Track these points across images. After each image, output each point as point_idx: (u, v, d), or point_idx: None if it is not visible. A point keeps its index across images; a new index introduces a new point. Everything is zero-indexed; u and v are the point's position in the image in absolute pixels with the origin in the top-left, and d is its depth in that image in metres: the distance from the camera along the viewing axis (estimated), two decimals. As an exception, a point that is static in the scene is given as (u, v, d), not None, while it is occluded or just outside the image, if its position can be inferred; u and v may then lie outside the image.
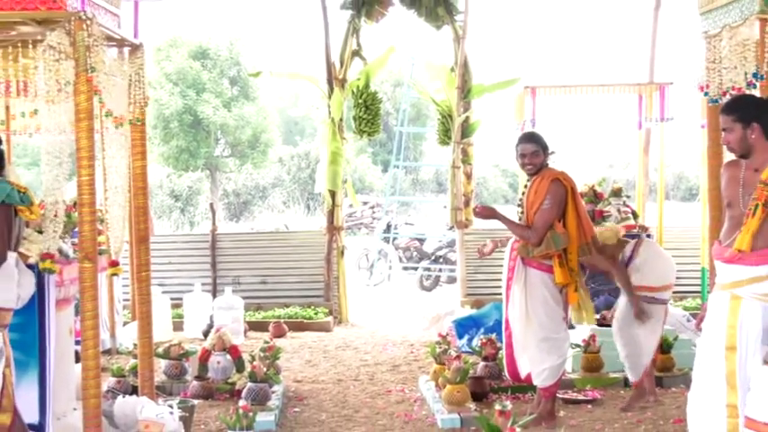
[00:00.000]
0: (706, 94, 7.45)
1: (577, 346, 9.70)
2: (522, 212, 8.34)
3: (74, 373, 7.60)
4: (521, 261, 8.23)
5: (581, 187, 10.16)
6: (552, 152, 8.39)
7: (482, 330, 10.81)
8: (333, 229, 14.52)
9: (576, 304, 8.30)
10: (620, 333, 8.67)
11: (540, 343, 8.25)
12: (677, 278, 9.17)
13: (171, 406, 7.68)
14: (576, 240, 8.13)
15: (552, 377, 8.26)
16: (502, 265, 13.31)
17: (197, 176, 33.55)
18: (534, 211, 8.14)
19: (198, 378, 9.35)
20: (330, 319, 13.90)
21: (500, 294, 13.76)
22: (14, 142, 10.69)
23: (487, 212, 8.38)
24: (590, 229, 8.30)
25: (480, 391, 8.89)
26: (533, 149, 8.21)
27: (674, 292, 11.92)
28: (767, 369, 4.30)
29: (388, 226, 22.41)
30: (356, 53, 14.45)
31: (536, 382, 8.32)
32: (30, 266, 6.77)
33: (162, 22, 30.55)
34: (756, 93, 6.82)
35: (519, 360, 8.48)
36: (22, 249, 6.68)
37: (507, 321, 8.52)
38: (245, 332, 12.65)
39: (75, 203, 7.04)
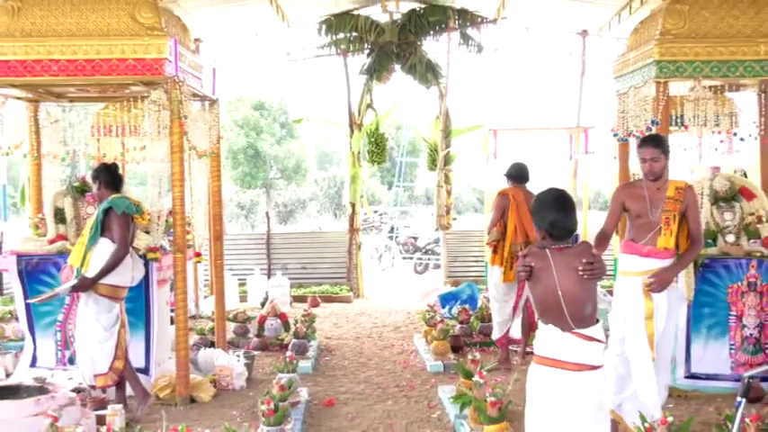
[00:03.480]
0: (616, 135, 7.47)
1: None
2: None
3: (169, 332, 7.62)
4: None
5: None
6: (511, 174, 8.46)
7: (459, 302, 10.79)
8: (353, 230, 14.51)
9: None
10: None
11: (493, 305, 8.48)
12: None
13: (238, 356, 7.70)
14: (510, 238, 8.16)
15: (499, 331, 8.36)
16: (473, 258, 13.41)
17: (256, 193, 33.52)
18: None
19: (257, 336, 9.36)
20: (351, 294, 13.87)
21: (472, 276, 13.82)
22: (127, 168, 10.71)
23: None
24: (526, 232, 8.16)
25: (457, 346, 8.89)
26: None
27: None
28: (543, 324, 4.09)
29: (392, 228, 22.42)
30: (369, 105, 14.47)
31: (492, 336, 8.47)
32: (139, 256, 6.82)
33: (232, 82, 30.70)
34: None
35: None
36: (134, 245, 6.73)
37: None
38: (291, 303, 12.64)
39: (170, 212, 7.07)
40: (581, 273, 3.92)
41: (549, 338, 4.04)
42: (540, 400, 4.07)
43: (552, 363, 4.01)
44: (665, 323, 5.43)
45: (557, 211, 4.00)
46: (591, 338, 3.98)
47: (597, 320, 4.06)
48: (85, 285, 6.23)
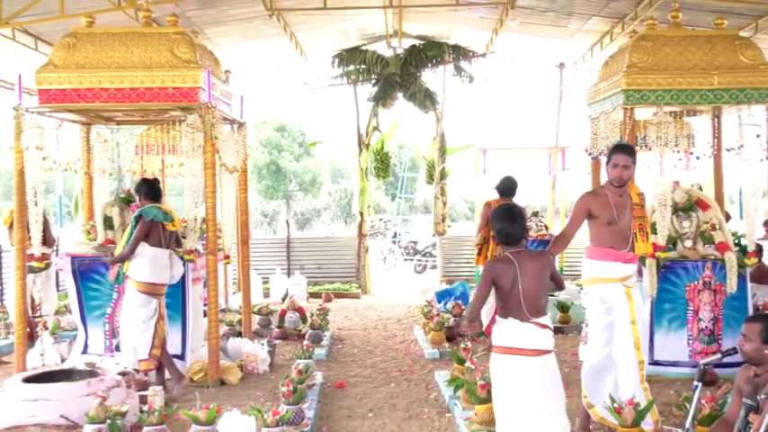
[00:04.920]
0: (590, 154, 7.47)
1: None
2: None
3: (202, 324, 7.62)
4: None
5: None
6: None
7: (453, 298, 10.76)
8: (361, 235, 14.52)
9: None
10: None
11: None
12: (573, 265, 9.05)
13: (262, 344, 7.71)
14: (493, 244, 8.14)
15: (485, 320, 8.31)
16: (465, 260, 13.36)
17: (278, 203, 33.49)
18: None
19: (278, 327, 9.35)
20: (359, 290, 13.87)
21: (464, 275, 13.80)
22: (167, 182, 10.75)
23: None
24: None
25: (451, 336, 8.84)
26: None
27: (569, 274, 11.93)
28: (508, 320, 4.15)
29: (395, 234, 22.47)
30: (375, 128, 14.50)
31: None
32: (180, 258, 6.85)
33: (257, 108, 30.71)
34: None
35: None
36: (176, 248, 6.78)
37: None
38: (307, 299, 12.64)
39: (203, 220, 7.08)
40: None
41: (509, 330, 4.10)
42: (507, 385, 4.10)
43: (514, 351, 4.07)
44: (645, 325, 5.23)
45: (502, 221, 4.16)
46: (544, 326, 4.09)
47: (547, 312, 4.17)
48: (110, 261, 6.58)
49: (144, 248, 6.40)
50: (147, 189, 6.67)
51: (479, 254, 8.37)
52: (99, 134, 7.88)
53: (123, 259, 6.40)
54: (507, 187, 8.37)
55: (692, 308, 6.91)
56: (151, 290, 6.41)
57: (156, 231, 6.51)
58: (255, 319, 9.39)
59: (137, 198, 6.88)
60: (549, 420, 4.07)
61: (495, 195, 8.50)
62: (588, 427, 5.17)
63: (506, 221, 4.15)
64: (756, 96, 6.80)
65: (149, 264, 6.41)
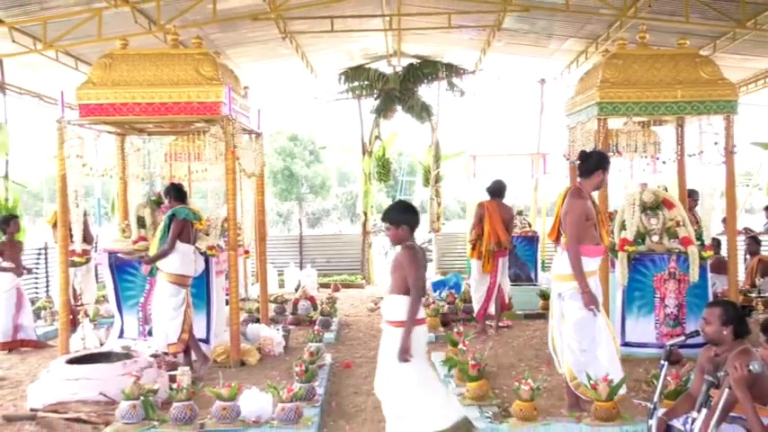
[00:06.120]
0: (568, 159, 7.46)
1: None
2: None
3: (224, 311, 7.61)
4: None
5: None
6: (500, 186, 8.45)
7: (447, 288, 10.74)
8: (365, 232, 14.54)
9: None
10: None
11: (472, 287, 8.50)
12: (552, 257, 9.07)
13: (278, 329, 7.70)
14: (486, 239, 8.11)
15: (476, 307, 8.28)
16: (458, 254, 13.29)
17: (291, 204, 33.54)
18: None
19: (292, 314, 9.34)
20: (364, 281, 13.89)
21: (456, 268, 13.78)
22: (193, 186, 10.75)
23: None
24: (498, 235, 8.12)
25: (446, 321, 8.81)
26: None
27: (549, 265, 11.90)
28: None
29: (395, 231, 22.42)
30: (377, 137, 14.56)
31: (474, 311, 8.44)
32: (201, 253, 6.84)
33: (273, 119, 30.72)
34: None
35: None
36: (196, 245, 6.76)
37: None
38: (318, 289, 12.64)
39: (225, 219, 7.08)
40: None
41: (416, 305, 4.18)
42: (422, 351, 4.27)
43: (423, 321, 4.29)
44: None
45: (414, 214, 4.29)
46: None
47: None
48: (146, 261, 6.53)
49: (176, 244, 6.42)
50: (175, 192, 6.70)
51: (473, 248, 8.34)
52: (132, 143, 7.88)
53: (165, 254, 6.36)
54: (498, 189, 8.38)
55: (658, 295, 6.91)
56: (180, 281, 6.41)
57: (187, 229, 6.52)
58: (272, 307, 9.39)
59: (166, 200, 6.88)
60: None
61: (487, 197, 8.48)
62: (579, 403, 5.01)
63: (415, 214, 4.26)
64: (715, 108, 6.79)
65: (179, 258, 6.42)
